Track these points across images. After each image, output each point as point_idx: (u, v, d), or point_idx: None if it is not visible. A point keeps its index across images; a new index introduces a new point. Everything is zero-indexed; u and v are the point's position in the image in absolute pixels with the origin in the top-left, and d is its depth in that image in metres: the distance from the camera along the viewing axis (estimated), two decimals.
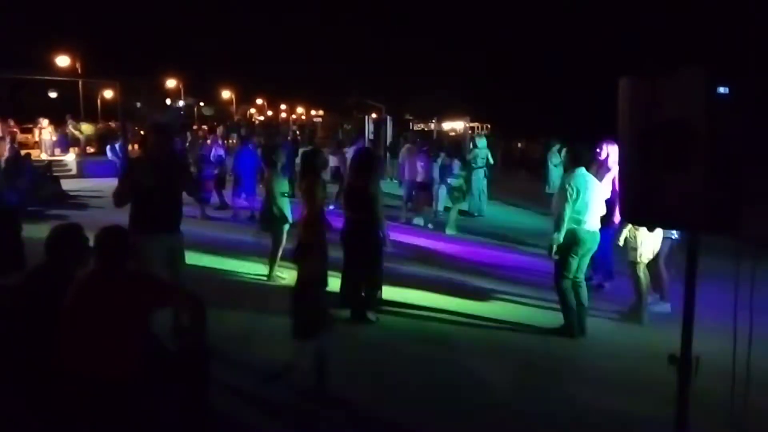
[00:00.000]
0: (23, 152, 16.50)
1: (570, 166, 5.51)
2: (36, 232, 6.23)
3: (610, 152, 6.60)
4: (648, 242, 5.76)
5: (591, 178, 5.54)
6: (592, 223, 5.41)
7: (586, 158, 5.63)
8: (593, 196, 5.40)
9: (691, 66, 2.36)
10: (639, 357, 5.03)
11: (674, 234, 5.90)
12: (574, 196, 5.28)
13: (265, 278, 7.16)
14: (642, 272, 5.83)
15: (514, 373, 4.82)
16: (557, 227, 5.36)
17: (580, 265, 5.52)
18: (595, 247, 5.55)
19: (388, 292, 6.10)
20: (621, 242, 5.98)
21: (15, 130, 20.83)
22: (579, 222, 5.33)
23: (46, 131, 21.08)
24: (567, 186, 5.33)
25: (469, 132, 23.37)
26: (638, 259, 5.80)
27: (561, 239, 5.36)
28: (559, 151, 13.00)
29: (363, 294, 5.86)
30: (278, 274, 7.06)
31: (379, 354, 5.07)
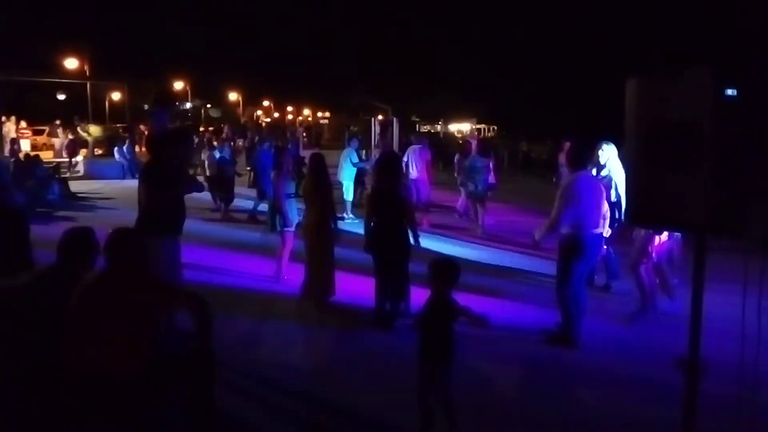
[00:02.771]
0: (32, 153, 16.68)
1: (572, 168, 5.32)
2: (44, 232, 6.29)
3: (606, 152, 6.59)
4: (654, 242, 5.73)
5: (594, 181, 5.46)
6: (595, 226, 5.22)
7: (588, 159, 5.46)
8: (596, 199, 5.23)
9: (699, 67, 2.35)
10: (645, 358, 5.00)
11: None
12: (576, 199, 5.08)
13: (272, 279, 7.17)
14: (645, 272, 5.78)
15: (518, 375, 4.80)
16: (546, 227, 5.23)
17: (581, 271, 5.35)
18: (598, 252, 5.44)
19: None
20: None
21: (27, 131, 21.14)
22: (581, 227, 5.12)
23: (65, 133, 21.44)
24: (568, 188, 5.15)
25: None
26: (642, 259, 5.76)
27: (540, 237, 5.30)
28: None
29: (390, 302, 5.76)
30: (286, 275, 7.08)
31: (385, 358, 5.06)
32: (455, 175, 12.80)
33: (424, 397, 3.67)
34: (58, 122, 22.04)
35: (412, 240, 5.73)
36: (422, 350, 3.66)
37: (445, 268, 3.73)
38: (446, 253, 8.92)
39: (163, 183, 4.77)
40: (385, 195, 5.67)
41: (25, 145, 19.66)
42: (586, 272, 5.51)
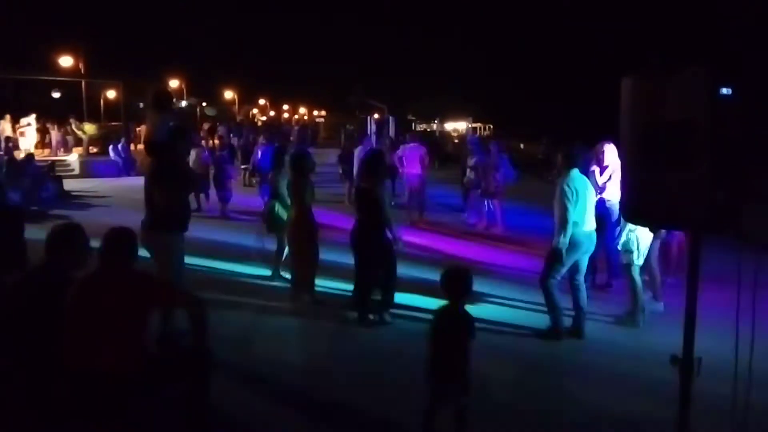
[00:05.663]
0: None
1: (565, 168, 5.41)
2: (39, 231, 6.23)
3: (608, 152, 6.61)
4: (643, 243, 5.74)
5: (585, 180, 5.53)
6: (587, 224, 5.37)
7: (580, 159, 5.56)
8: (588, 197, 5.39)
9: (694, 66, 2.36)
10: (637, 358, 5.00)
11: (662, 232, 5.88)
12: (575, 197, 5.21)
13: (268, 279, 7.16)
14: (636, 274, 5.79)
15: (515, 375, 4.80)
16: (561, 231, 5.22)
17: (579, 266, 5.45)
18: (592, 249, 5.51)
19: (399, 294, 6.06)
20: (620, 246, 5.86)
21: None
22: (576, 224, 5.24)
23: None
24: (566, 188, 5.22)
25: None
26: (634, 261, 5.76)
27: (567, 242, 5.21)
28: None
29: (380, 296, 5.80)
30: (282, 274, 7.06)
31: (382, 355, 5.06)
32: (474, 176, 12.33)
33: (431, 418, 3.47)
34: (71, 120, 21.98)
35: (391, 239, 5.73)
36: (430, 365, 3.46)
37: (453, 279, 3.54)
38: (443, 250, 8.94)
39: (179, 183, 5.01)
40: (364, 194, 5.79)
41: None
42: (576, 268, 5.51)
